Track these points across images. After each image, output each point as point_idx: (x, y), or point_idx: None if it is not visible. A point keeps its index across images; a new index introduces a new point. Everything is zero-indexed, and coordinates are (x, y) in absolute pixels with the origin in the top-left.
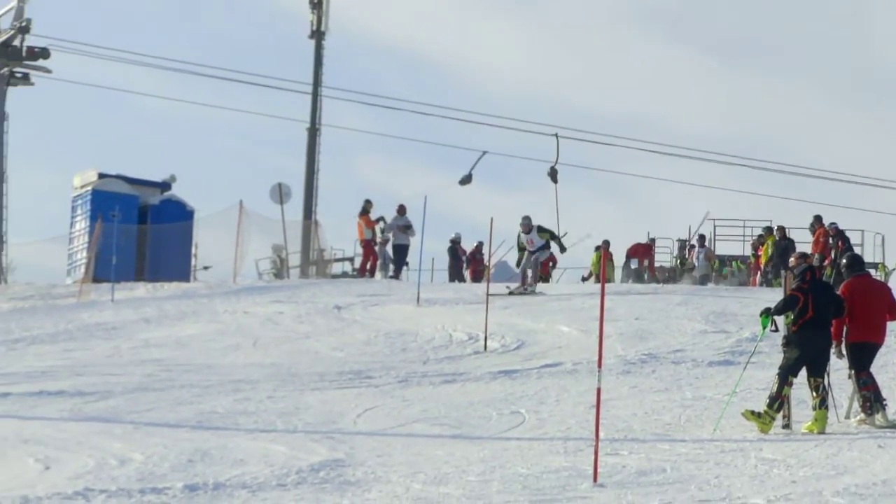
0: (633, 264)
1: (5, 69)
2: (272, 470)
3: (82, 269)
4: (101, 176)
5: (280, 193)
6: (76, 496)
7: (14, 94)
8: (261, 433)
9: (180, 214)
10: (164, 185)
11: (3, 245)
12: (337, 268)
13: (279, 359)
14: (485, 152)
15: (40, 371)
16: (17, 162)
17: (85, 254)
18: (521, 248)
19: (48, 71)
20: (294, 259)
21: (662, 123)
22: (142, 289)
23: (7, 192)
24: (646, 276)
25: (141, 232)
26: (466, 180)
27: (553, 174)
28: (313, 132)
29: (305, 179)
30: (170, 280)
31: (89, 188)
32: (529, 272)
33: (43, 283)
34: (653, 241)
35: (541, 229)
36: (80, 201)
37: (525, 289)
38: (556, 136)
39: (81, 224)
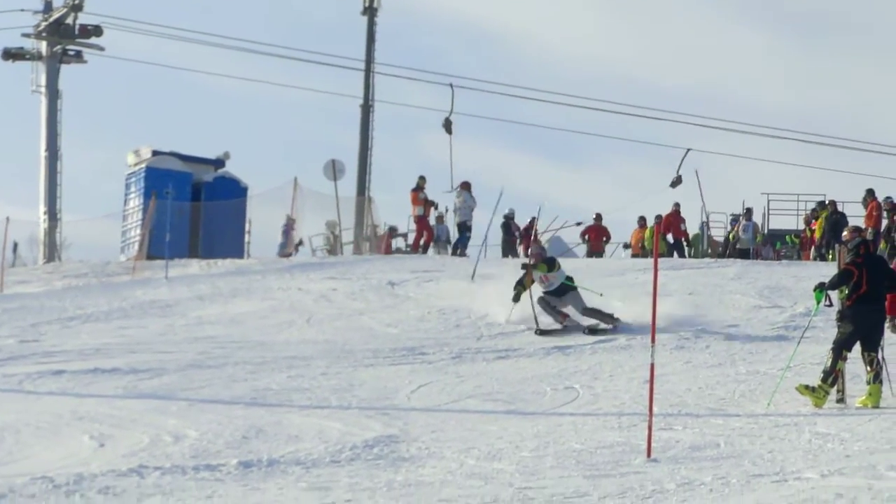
0: (670, 239)
1: (58, 47)
2: (326, 446)
3: (136, 247)
4: (155, 153)
5: (333, 170)
6: (131, 473)
7: (67, 71)
8: (315, 410)
9: (234, 191)
10: (218, 162)
11: (57, 223)
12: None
13: (333, 335)
14: (689, 150)
15: (94, 349)
16: (71, 140)
17: (139, 231)
18: (524, 286)
19: (101, 48)
20: (347, 235)
21: (719, 98)
22: (195, 266)
23: (61, 169)
24: (685, 247)
25: (194, 209)
26: (677, 182)
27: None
28: (366, 108)
29: (359, 156)
30: (223, 257)
31: (143, 165)
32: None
33: (97, 260)
34: (677, 205)
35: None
36: (133, 178)
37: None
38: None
39: (135, 201)
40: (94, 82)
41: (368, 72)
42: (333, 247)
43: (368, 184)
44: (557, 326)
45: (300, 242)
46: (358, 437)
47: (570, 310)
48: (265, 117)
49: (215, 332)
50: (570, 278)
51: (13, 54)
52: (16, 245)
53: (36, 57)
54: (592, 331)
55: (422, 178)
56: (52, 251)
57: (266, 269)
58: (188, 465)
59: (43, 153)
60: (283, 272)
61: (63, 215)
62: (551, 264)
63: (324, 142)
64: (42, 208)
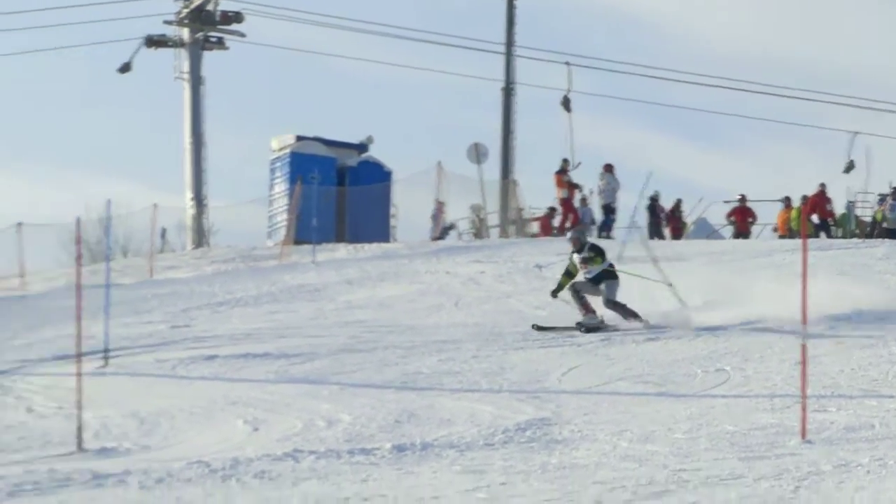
0: (816, 219)
1: (200, 34)
2: (479, 429)
3: (283, 232)
4: (299, 138)
5: (476, 153)
6: (285, 457)
7: (209, 58)
8: (466, 393)
9: (378, 176)
10: (362, 147)
11: (204, 208)
12: (535, 227)
13: (482, 318)
14: (856, 133)
15: (245, 333)
16: (216, 126)
17: (285, 216)
18: (570, 275)
19: (242, 35)
20: (492, 219)
21: (868, 77)
22: (342, 250)
23: (207, 156)
24: (831, 228)
25: (340, 194)
26: (850, 167)
27: None
28: (508, 92)
29: (502, 139)
30: (370, 241)
31: (288, 151)
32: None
33: (244, 245)
34: (823, 185)
35: (593, 249)
36: (278, 164)
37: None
38: None
39: (281, 186)
40: (236, 68)
41: (509, 55)
42: (479, 230)
43: (511, 166)
44: (595, 321)
45: (451, 226)
46: (510, 420)
47: (595, 300)
48: (407, 101)
49: (365, 316)
50: (612, 266)
51: (156, 41)
52: (164, 231)
53: (178, 44)
54: (588, 328)
55: (565, 161)
56: (199, 237)
57: (413, 252)
58: (342, 448)
59: (188, 140)
60: (430, 256)
61: (209, 201)
62: (595, 252)
63: (466, 125)
64: (189, 194)
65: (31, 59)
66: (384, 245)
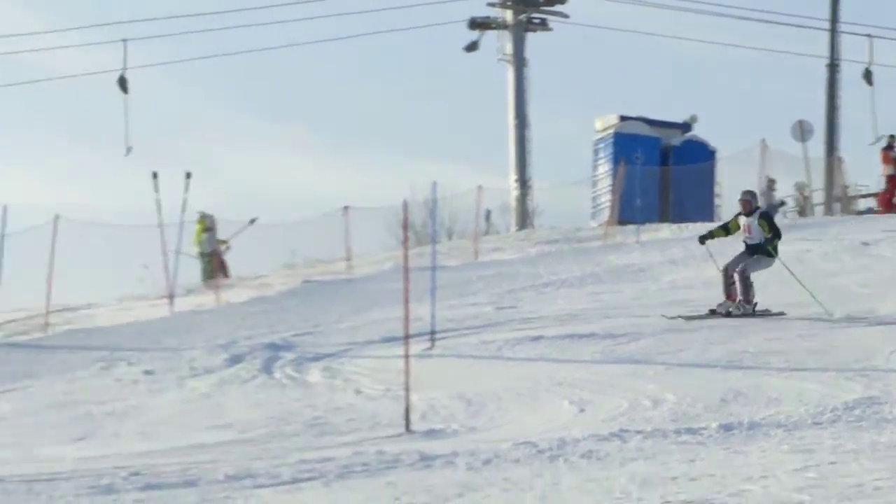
0: None
1: (523, 15)
2: (806, 408)
3: (607, 212)
4: (623, 119)
5: (801, 131)
6: (612, 437)
7: (532, 40)
8: (793, 372)
9: (702, 155)
10: (685, 126)
11: (528, 190)
12: (861, 204)
13: (804, 298)
14: None
15: (570, 314)
16: (539, 107)
17: (609, 196)
18: (727, 230)
19: (565, 16)
20: (817, 197)
21: None
22: (666, 230)
23: (530, 137)
24: None
25: (663, 173)
26: None
27: None
28: (832, 68)
29: (826, 116)
30: (694, 221)
31: (611, 131)
32: (738, 281)
33: (568, 226)
34: None
35: (765, 216)
36: (602, 144)
37: (739, 308)
38: None
39: (604, 167)
40: (558, 50)
41: (833, 31)
42: (803, 208)
43: (837, 143)
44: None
45: (782, 202)
46: (838, 398)
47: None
48: (730, 79)
49: (690, 296)
50: (774, 247)
51: (479, 24)
52: (488, 213)
53: (501, 26)
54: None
55: (892, 137)
56: (524, 218)
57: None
58: (669, 428)
59: (512, 121)
60: None
61: (533, 182)
62: (766, 220)
63: (790, 103)
64: (513, 176)
65: (355, 45)
66: (709, 224)
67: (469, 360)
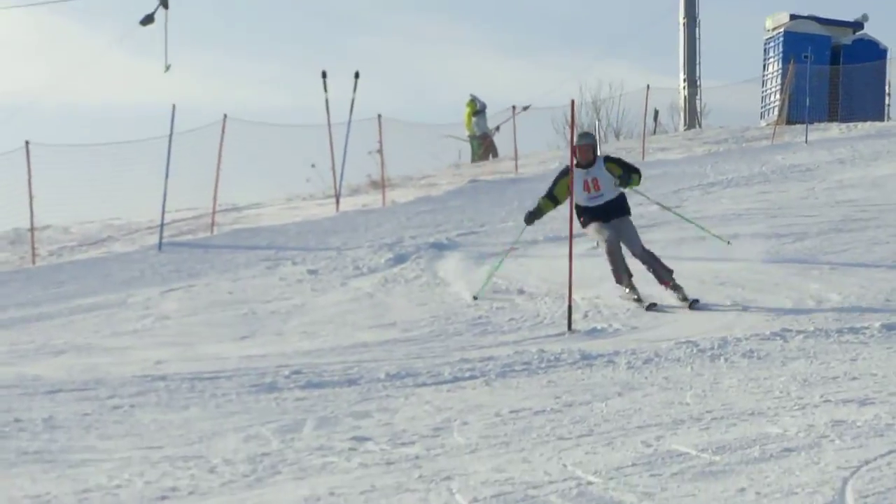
0: None
1: None
2: None
3: (775, 112)
4: (793, 17)
5: None
6: (774, 337)
7: None
8: None
9: (873, 54)
10: (856, 25)
11: (696, 89)
12: None
13: None
14: None
15: (735, 214)
16: (709, 6)
17: (777, 96)
18: (555, 199)
19: None
20: None
21: None
22: (835, 129)
23: (700, 36)
24: None
25: (833, 72)
26: None
27: None
28: None
29: None
30: (863, 120)
31: (781, 30)
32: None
33: (736, 126)
34: None
35: (611, 159)
36: (772, 43)
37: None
38: None
39: (774, 66)
40: None
41: None
42: None
43: None
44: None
45: None
46: None
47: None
48: None
49: (856, 196)
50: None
51: None
52: (656, 113)
53: None
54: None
55: None
56: (692, 118)
57: None
58: (831, 328)
59: (681, 20)
60: None
61: (702, 82)
62: (612, 161)
63: None
64: (681, 76)
65: None
66: (878, 124)
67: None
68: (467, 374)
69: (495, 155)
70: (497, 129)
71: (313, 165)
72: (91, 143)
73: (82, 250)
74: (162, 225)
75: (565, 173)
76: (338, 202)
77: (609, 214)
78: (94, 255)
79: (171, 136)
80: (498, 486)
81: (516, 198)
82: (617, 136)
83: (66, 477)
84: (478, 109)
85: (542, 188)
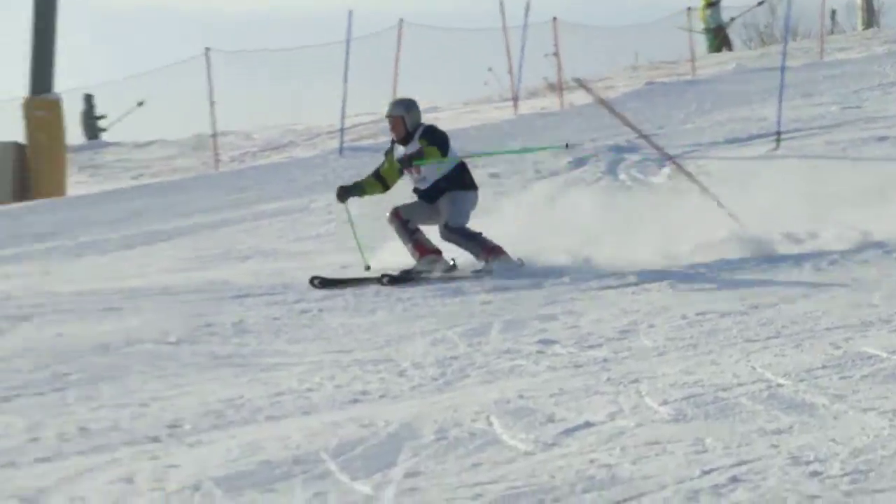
0: None
1: None
2: None
3: None
4: None
5: None
6: None
7: None
8: None
9: None
10: None
11: None
12: None
13: None
14: None
15: None
16: None
17: None
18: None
19: None
20: None
21: None
22: None
23: None
24: None
25: None
26: None
27: None
28: None
29: None
30: None
31: None
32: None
33: None
34: None
35: (427, 134)
36: None
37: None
38: None
39: None
40: None
41: None
42: None
43: None
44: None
45: None
46: None
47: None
48: None
49: None
50: (464, 167)
51: None
52: (834, 12)
53: None
54: (392, 280)
55: None
56: (870, 17)
57: None
58: None
59: None
60: None
61: None
62: (429, 140)
63: None
64: None
65: None
66: None
67: (814, 160)
68: (650, 277)
69: (730, 48)
70: (732, 20)
71: (490, 69)
72: (270, 49)
73: (264, 155)
74: (342, 129)
75: (389, 153)
76: (516, 105)
77: (436, 197)
78: (275, 161)
79: (348, 41)
80: (687, 388)
81: (694, 100)
82: (794, 36)
83: (258, 381)
84: (712, 2)
85: (720, 89)
